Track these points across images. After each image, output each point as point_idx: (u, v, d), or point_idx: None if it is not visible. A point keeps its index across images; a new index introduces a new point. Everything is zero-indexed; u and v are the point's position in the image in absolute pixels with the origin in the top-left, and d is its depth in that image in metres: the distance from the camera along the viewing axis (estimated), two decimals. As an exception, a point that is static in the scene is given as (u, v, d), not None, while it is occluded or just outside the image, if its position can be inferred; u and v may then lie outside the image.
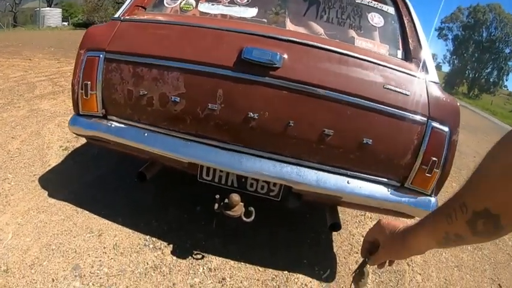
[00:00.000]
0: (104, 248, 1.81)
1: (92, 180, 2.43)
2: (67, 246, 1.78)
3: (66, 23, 26.04)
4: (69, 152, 2.83)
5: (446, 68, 46.12)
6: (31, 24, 24.37)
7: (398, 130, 1.54)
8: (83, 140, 2.97)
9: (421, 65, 1.69)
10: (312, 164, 1.58)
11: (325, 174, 1.56)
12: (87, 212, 2.06)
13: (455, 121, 1.57)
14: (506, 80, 39.21)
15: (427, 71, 1.67)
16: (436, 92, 1.60)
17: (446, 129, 1.54)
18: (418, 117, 1.53)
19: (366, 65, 1.58)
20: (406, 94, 1.54)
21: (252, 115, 1.50)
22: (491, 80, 38.31)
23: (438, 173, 1.56)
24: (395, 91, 1.54)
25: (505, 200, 0.45)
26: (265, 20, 1.87)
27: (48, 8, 25.59)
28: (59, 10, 26.32)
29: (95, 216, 2.04)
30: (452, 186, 4.02)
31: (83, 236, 1.86)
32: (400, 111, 1.52)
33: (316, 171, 1.56)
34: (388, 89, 1.53)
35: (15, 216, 1.93)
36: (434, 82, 1.64)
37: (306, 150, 1.56)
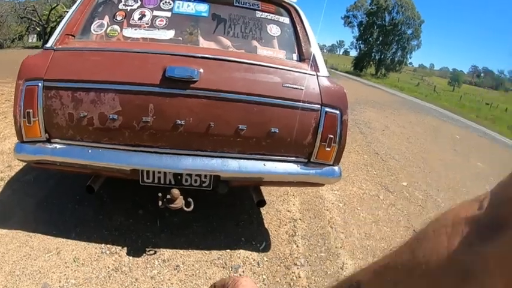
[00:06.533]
0: (65, 263, 1.93)
1: (36, 204, 2.46)
2: (30, 269, 1.85)
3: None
4: (5, 182, 2.76)
5: (354, 53, 49.21)
6: None
7: (298, 118, 1.92)
8: (16, 169, 2.94)
9: (312, 64, 2.10)
10: (233, 154, 1.91)
11: (245, 161, 1.92)
12: (40, 234, 2.12)
13: (344, 104, 1.98)
14: (410, 58, 43.09)
15: (317, 68, 2.08)
16: (326, 83, 2.02)
17: (337, 111, 1.95)
18: (313, 106, 1.93)
19: (267, 70, 1.96)
20: (301, 89, 1.94)
21: (180, 122, 1.79)
22: (396, 59, 42.05)
23: (336, 147, 1.97)
24: (293, 87, 1.93)
25: None
26: (181, 39, 2.16)
27: None
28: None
29: (49, 236, 2.11)
30: (364, 159, 4.66)
31: (42, 257, 1.95)
32: (298, 103, 1.91)
33: (237, 160, 1.91)
34: (286, 86, 1.92)
35: (-31, 254, 1.91)
36: (324, 76, 2.05)
37: (227, 144, 1.89)
